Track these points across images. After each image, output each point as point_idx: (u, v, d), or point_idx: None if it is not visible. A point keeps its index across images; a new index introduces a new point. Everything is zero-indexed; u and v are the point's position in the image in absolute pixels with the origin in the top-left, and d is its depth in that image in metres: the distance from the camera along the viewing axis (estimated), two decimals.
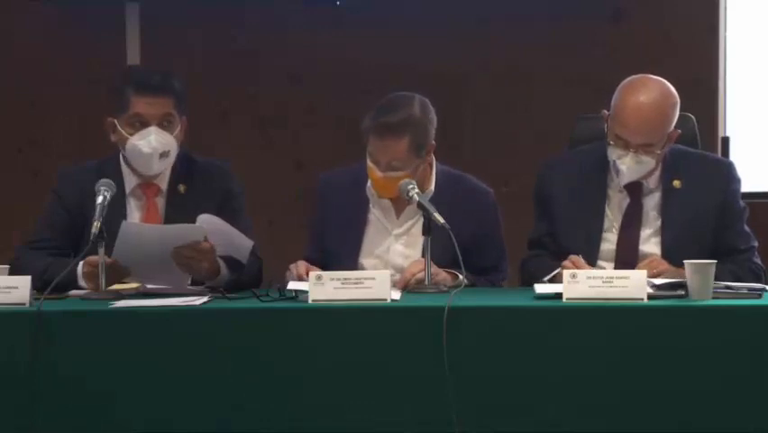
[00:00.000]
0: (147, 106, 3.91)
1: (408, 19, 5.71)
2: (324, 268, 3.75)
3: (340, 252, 3.97)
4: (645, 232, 3.93)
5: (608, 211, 3.96)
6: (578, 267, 3.66)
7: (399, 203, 3.99)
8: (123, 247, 3.61)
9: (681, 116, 3.98)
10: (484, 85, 5.76)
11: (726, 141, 5.68)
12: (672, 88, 3.89)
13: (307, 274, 3.56)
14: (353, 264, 3.94)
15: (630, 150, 3.84)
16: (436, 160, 4.08)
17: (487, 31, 5.69)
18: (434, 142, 3.98)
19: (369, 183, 4.02)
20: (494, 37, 5.70)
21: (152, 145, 3.89)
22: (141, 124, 3.91)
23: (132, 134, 3.91)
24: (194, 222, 3.71)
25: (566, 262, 3.72)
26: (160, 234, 3.71)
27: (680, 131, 3.92)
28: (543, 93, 5.71)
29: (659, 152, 3.87)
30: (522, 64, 5.73)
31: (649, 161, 3.86)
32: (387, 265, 3.96)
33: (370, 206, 4.04)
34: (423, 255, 3.79)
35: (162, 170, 3.96)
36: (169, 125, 3.92)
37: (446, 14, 5.71)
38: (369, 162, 3.94)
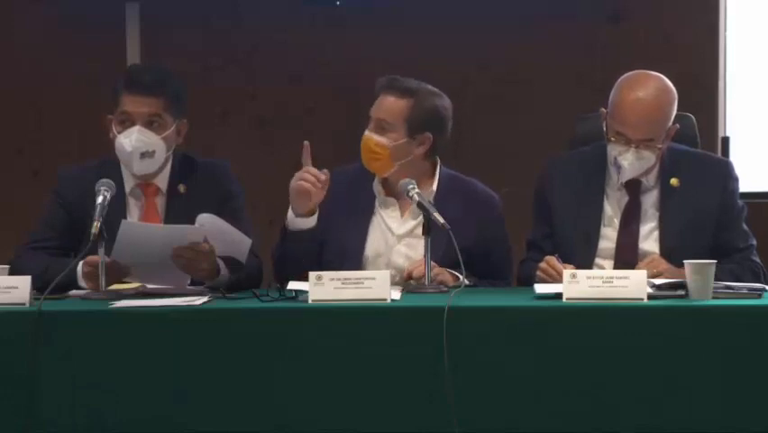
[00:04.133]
0: (134, 105, 3.90)
1: (408, 19, 5.72)
2: (328, 265, 3.75)
3: (344, 248, 3.96)
4: (644, 229, 3.93)
5: (606, 209, 3.96)
6: (555, 268, 3.67)
7: (404, 203, 3.99)
8: (123, 246, 3.61)
9: (680, 116, 3.99)
10: (484, 85, 5.76)
11: (726, 141, 5.68)
12: (670, 83, 3.90)
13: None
14: (357, 261, 3.94)
15: (631, 145, 3.85)
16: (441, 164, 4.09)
17: (487, 31, 5.69)
18: (430, 135, 3.97)
19: (375, 181, 4.03)
20: (494, 37, 5.70)
21: (133, 144, 3.88)
22: (128, 122, 3.91)
23: (120, 132, 3.91)
24: (194, 222, 3.71)
25: (541, 264, 3.73)
26: (159, 233, 3.71)
27: (678, 126, 3.93)
28: (543, 93, 5.72)
29: (659, 146, 3.87)
30: (522, 64, 5.73)
31: (650, 157, 3.87)
32: (389, 265, 3.96)
33: (376, 204, 4.05)
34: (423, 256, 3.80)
35: (146, 171, 3.94)
36: (156, 126, 3.92)
37: (446, 14, 5.71)
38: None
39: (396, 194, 4.01)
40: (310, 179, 3.81)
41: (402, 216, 4.04)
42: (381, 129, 3.93)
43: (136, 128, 3.89)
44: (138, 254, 3.63)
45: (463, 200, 4.00)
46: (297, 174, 3.84)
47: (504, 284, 4.04)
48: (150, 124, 3.91)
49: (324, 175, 3.82)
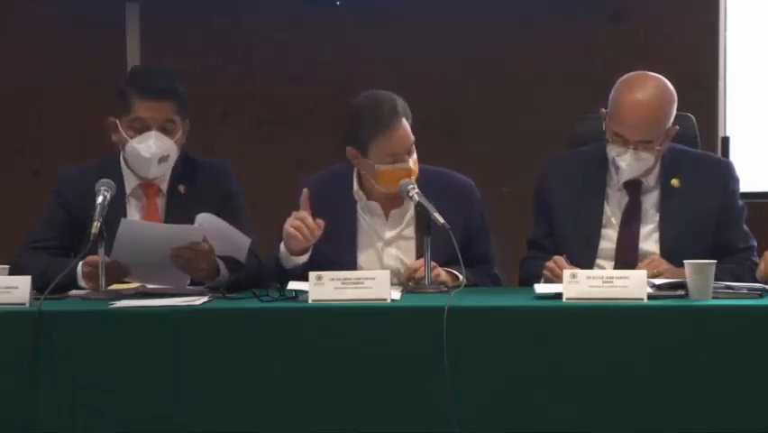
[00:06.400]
0: (149, 111, 3.90)
1: (408, 19, 5.72)
2: (322, 269, 3.73)
3: (337, 262, 3.89)
4: (645, 230, 3.93)
5: (606, 209, 3.96)
6: (562, 267, 3.67)
7: (387, 206, 3.97)
8: (123, 245, 3.61)
9: (680, 116, 3.99)
10: (484, 85, 5.76)
11: (726, 141, 5.68)
12: (670, 85, 3.89)
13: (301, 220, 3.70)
14: (351, 269, 3.92)
15: (629, 146, 3.85)
16: (436, 160, 4.07)
17: (487, 31, 5.70)
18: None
19: (355, 187, 3.99)
20: (494, 37, 5.70)
21: (152, 150, 3.88)
22: (142, 127, 3.90)
23: (132, 137, 3.90)
24: (193, 222, 3.71)
25: (549, 264, 3.73)
26: (159, 232, 3.71)
27: (677, 127, 3.92)
28: (543, 93, 5.72)
29: (658, 148, 3.88)
30: (522, 64, 5.73)
31: (648, 158, 3.87)
32: (382, 269, 3.94)
33: (358, 209, 4.02)
34: (422, 256, 3.79)
35: (161, 174, 3.96)
36: (170, 130, 3.92)
37: (446, 14, 5.71)
38: (383, 167, 3.86)
39: (376, 197, 3.99)
40: (303, 230, 3.74)
41: (387, 219, 4.01)
42: (410, 152, 3.90)
43: (152, 134, 3.89)
44: (138, 253, 3.63)
45: (444, 194, 3.95)
46: (291, 219, 3.77)
47: (491, 266, 4.03)
48: (164, 128, 3.91)
49: (318, 228, 3.76)
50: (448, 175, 4.08)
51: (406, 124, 3.90)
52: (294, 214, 3.78)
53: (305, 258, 3.83)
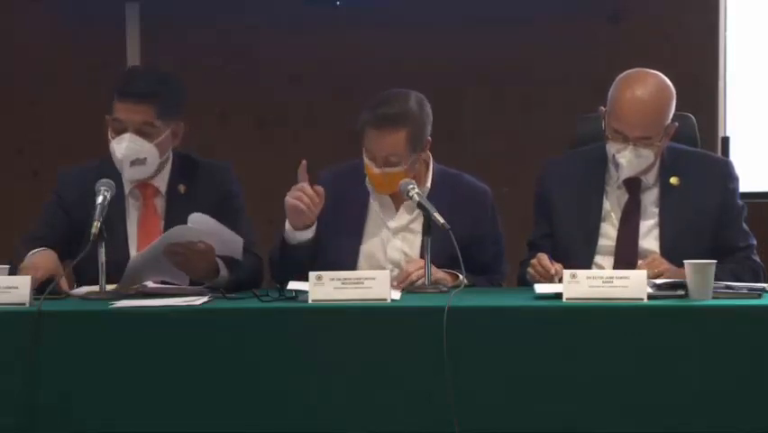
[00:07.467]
0: (126, 112, 3.89)
1: (408, 19, 5.72)
2: (325, 264, 3.73)
3: (340, 246, 3.94)
4: (644, 227, 3.93)
5: (606, 207, 3.96)
6: (542, 265, 3.67)
7: (398, 198, 3.99)
8: (131, 274, 3.65)
9: (681, 116, 3.99)
10: (484, 84, 5.76)
11: (726, 141, 5.68)
12: (669, 81, 3.90)
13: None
14: (353, 258, 3.94)
15: (629, 143, 3.85)
16: (436, 159, 4.07)
17: (486, 31, 5.70)
18: (429, 138, 3.97)
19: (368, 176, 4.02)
20: (494, 37, 5.70)
21: (123, 152, 3.88)
22: (120, 128, 3.91)
23: (113, 137, 3.91)
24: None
25: (532, 261, 3.74)
26: (159, 247, 3.68)
27: (677, 124, 3.92)
28: (543, 93, 5.72)
29: (658, 144, 3.88)
30: (522, 64, 5.73)
31: (648, 155, 3.87)
32: (386, 259, 3.96)
33: (371, 199, 4.04)
34: (422, 255, 3.79)
35: (138, 177, 3.94)
36: (147, 133, 3.91)
37: (446, 15, 5.71)
38: (366, 159, 3.93)
39: None
40: (304, 198, 3.78)
41: (397, 210, 4.03)
42: (391, 163, 3.90)
43: (127, 135, 3.89)
44: (144, 276, 3.68)
45: (457, 195, 3.99)
46: (291, 192, 3.80)
47: (498, 280, 4.04)
48: (141, 131, 3.90)
49: (318, 196, 3.79)
50: (460, 177, 4.09)
51: (398, 135, 3.87)
52: (293, 186, 3.79)
53: (309, 234, 3.86)
